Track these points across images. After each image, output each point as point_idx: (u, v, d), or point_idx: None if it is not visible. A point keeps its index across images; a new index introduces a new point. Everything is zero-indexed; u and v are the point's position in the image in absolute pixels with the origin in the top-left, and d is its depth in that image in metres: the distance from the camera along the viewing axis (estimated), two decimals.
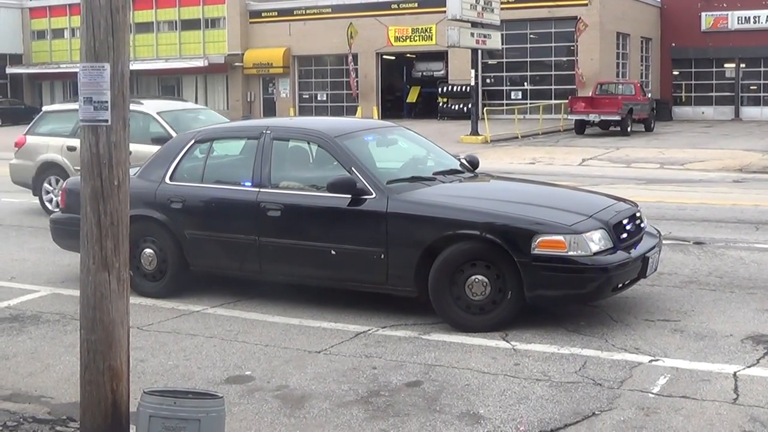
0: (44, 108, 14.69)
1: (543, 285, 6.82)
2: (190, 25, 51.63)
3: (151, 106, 13.45)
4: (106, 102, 4.38)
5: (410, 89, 48.45)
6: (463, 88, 40.53)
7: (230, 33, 49.80)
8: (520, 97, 43.33)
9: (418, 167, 8.43)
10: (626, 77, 43.09)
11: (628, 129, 33.57)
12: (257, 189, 7.84)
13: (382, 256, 7.24)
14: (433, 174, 8.07)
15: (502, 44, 35.34)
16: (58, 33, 56.81)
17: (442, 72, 45.68)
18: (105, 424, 4.49)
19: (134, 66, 43.63)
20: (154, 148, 10.38)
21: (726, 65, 46.74)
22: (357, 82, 45.32)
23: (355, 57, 45.07)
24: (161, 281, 8.28)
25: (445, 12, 30.64)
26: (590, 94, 35.91)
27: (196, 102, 53.32)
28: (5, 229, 12.62)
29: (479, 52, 32.77)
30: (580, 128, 34.08)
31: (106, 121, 4.40)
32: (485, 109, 35.78)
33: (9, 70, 56.81)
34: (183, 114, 13.61)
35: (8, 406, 5.47)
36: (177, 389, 4.54)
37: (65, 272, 9.39)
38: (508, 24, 38.68)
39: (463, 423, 5.16)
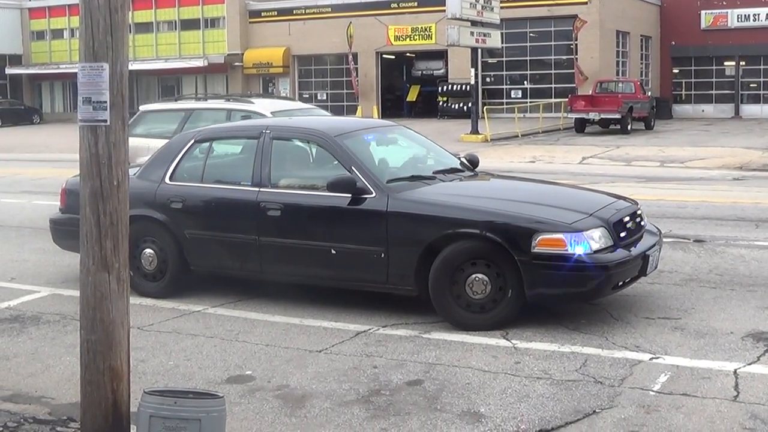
0: (141, 107, 13.90)
1: (543, 283, 6.82)
2: (190, 25, 51.64)
3: (263, 105, 12.42)
4: (105, 102, 4.38)
5: (410, 88, 48.46)
6: (463, 86, 40.54)
7: (230, 33, 49.81)
8: (520, 95, 43.33)
9: (418, 166, 8.42)
10: (626, 75, 43.09)
11: (628, 127, 33.56)
12: (257, 189, 7.84)
13: (383, 255, 7.23)
14: (433, 173, 8.07)
15: (502, 43, 35.33)
16: (57, 33, 56.82)
17: (442, 71, 45.68)
18: (105, 424, 4.49)
19: (134, 66, 43.64)
20: None
21: (726, 63, 46.72)
22: (357, 81, 45.34)
23: (355, 56, 45.09)
24: (161, 281, 8.28)
25: (444, 11, 30.63)
26: (590, 93, 35.92)
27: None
28: (5, 229, 12.62)
29: (479, 50, 32.77)
30: (580, 127, 34.09)
31: (105, 121, 4.40)
32: (485, 107, 35.80)
33: (8, 71, 56.83)
34: (296, 113, 12.54)
35: (9, 406, 5.47)
36: (177, 389, 4.54)
37: (65, 273, 9.39)
38: (508, 23, 38.67)
39: (463, 421, 5.16)
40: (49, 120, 54.37)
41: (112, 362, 4.48)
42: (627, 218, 7.39)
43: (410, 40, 45.21)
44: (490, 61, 43.02)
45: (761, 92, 46.07)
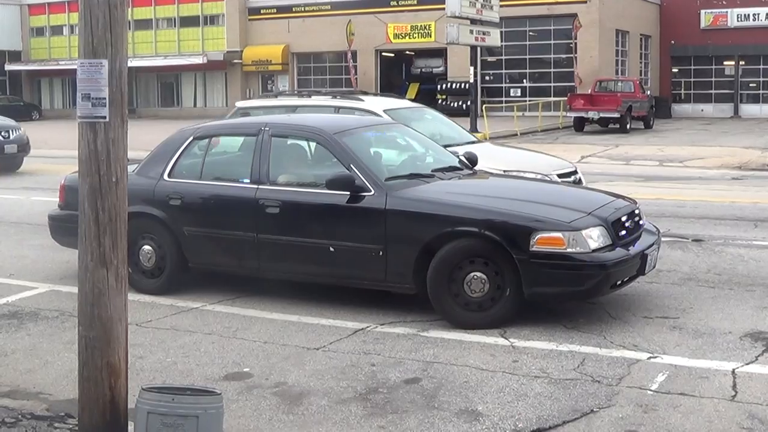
0: (237, 104, 13.58)
1: (541, 282, 6.81)
2: (189, 22, 51.64)
3: (373, 103, 11.91)
4: (104, 98, 4.38)
5: (409, 86, 48.44)
6: (462, 85, 40.52)
7: (229, 30, 49.81)
8: (519, 94, 43.36)
9: (417, 164, 8.42)
10: (625, 74, 43.10)
11: (628, 126, 33.57)
12: (256, 186, 7.83)
13: (381, 253, 7.23)
14: (432, 171, 8.06)
15: (501, 41, 35.35)
16: (56, 30, 56.80)
17: (441, 69, 45.71)
18: (103, 420, 4.48)
19: (133, 63, 43.65)
20: None
21: (725, 63, 46.77)
22: (356, 79, 45.32)
23: (354, 54, 45.08)
24: (160, 278, 8.27)
25: (444, 9, 30.66)
26: (589, 92, 35.91)
27: (195, 100, 53.42)
28: (4, 225, 12.61)
29: (478, 49, 32.79)
30: (579, 125, 34.09)
31: (104, 117, 4.39)
32: (484, 106, 35.83)
33: (8, 67, 56.84)
34: (408, 112, 12.08)
35: (6, 402, 5.46)
36: (175, 386, 4.54)
37: (64, 269, 9.38)
38: (507, 21, 38.70)
39: (461, 420, 5.16)
40: (49, 116, 54.34)
41: (110, 359, 4.48)
42: (625, 217, 7.39)
43: (409, 38, 45.22)
44: (490, 59, 43.05)
45: (761, 92, 46.12)
